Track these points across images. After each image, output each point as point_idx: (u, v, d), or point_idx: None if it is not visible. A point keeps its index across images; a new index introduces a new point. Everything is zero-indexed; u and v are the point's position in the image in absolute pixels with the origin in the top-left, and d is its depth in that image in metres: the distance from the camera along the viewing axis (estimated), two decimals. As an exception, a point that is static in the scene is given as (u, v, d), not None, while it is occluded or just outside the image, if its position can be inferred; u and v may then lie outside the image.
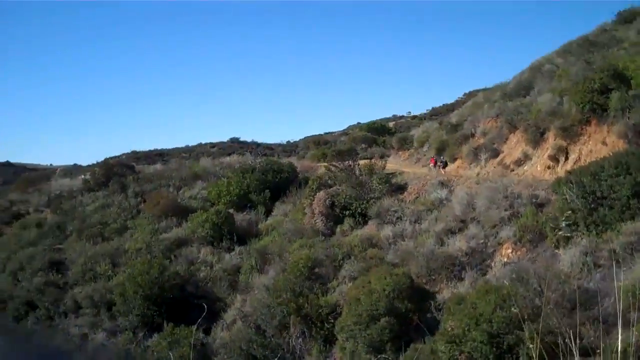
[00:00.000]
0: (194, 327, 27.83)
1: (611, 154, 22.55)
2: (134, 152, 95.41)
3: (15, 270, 38.15)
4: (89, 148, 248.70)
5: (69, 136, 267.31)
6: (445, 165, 35.90)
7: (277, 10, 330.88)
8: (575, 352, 5.37)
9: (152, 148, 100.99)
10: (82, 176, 56.23)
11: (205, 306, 25.67)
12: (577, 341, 5.40)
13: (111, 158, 76.51)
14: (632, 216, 19.27)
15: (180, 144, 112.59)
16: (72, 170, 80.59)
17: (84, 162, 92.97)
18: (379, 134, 66.07)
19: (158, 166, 58.10)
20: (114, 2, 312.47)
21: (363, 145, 56.37)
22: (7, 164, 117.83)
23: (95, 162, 72.27)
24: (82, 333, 31.01)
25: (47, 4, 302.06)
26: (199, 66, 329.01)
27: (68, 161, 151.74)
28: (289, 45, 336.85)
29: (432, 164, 37.48)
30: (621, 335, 5.60)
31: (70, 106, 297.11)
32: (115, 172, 51.05)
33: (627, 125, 24.64)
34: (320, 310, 24.52)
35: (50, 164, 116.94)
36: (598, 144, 26.31)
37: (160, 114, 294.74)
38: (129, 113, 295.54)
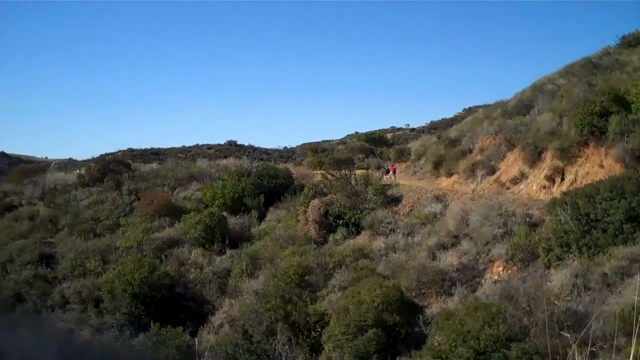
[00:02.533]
0: (181, 329, 27.84)
1: (607, 177, 22.55)
2: (130, 150, 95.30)
3: (5, 262, 37.82)
4: (85, 143, 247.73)
5: (65, 130, 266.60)
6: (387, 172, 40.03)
7: (281, 14, 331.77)
8: None
9: (148, 146, 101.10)
10: (77, 171, 56.02)
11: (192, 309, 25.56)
12: None
13: (107, 154, 76.29)
14: (625, 240, 19.25)
15: (177, 144, 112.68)
16: (68, 165, 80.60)
17: (80, 157, 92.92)
18: (377, 145, 66.02)
19: (154, 165, 57.91)
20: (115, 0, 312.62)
21: (360, 155, 56.27)
22: (2, 155, 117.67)
23: (90, 158, 72.10)
24: (68, 328, 30.75)
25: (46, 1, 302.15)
26: (200, 68, 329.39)
27: (63, 155, 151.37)
28: (291, 52, 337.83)
29: (392, 172, 40.39)
30: (608, 359, 5.55)
31: (68, 101, 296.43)
32: (111, 168, 50.80)
33: (624, 150, 24.64)
34: (308, 318, 24.44)
35: (46, 157, 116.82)
36: (595, 167, 26.30)
37: (158, 113, 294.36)
38: (126, 110, 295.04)
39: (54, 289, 34.44)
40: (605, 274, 18.35)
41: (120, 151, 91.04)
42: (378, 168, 43.62)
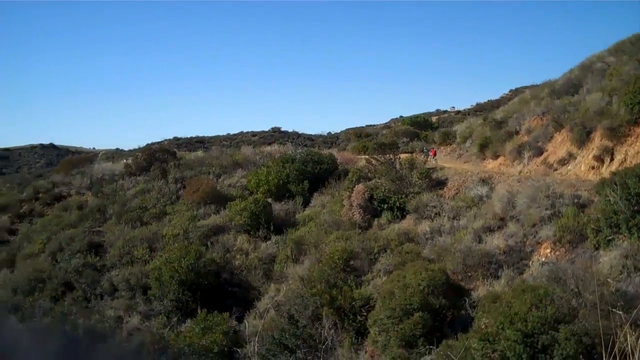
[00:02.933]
0: (227, 314, 28.02)
1: (658, 156, 21.97)
2: (176, 139, 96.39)
3: (55, 251, 38.51)
4: (131, 133, 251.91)
5: (112, 121, 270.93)
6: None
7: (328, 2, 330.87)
8: (609, 355, 5.18)
9: (194, 135, 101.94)
10: (124, 160, 56.79)
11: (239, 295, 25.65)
12: (613, 344, 5.22)
13: (153, 144, 77.11)
14: (676, 220, 18.73)
15: (221, 131, 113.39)
16: (115, 155, 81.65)
17: (126, 147, 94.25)
18: (422, 128, 65.52)
19: (199, 153, 58.28)
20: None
21: (405, 139, 55.93)
22: (51, 146, 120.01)
23: (137, 147, 72.97)
24: (117, 315, 31.21)
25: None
26: (244, 55, 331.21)
27: (111, 145, 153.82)
28: (335, 36, 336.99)
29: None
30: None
31: (114, 92, 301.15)
32: (157, 157, 51.31)
33: (676, 128, 23.99)
34: (353, 303, 24.33)
35: (93, 148, 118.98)
36: (645, 146, 25.67)
37: (203, 101, 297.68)
38: (172, 100, 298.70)
39: (102, 277, 35.01)
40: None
41: (165, 140, 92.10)
42: (420, 151, 43.40)
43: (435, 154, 41.22)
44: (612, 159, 27.23)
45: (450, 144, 47.00)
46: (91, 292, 33.93)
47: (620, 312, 7.81)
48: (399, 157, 36.57)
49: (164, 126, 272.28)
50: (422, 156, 38.93)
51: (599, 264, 19.44)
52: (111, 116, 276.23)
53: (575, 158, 29.91)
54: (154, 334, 28.41)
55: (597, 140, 28.46)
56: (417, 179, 33.11)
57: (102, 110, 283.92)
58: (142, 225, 40.30)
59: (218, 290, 31.57)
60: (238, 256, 34.20)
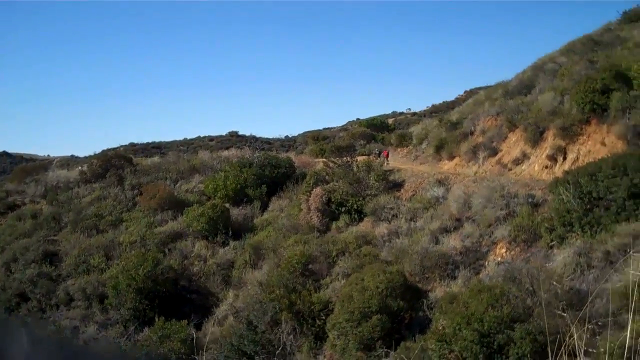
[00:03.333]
0: (186, 322, 27.77)
1: (609, 154, 22.28)
2: (132, 145, 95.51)
3: (9, 261, 37.87)
4: (86, 140, 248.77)
5: (67, 127, 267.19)
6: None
7: (279, 5, 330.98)
8: (565, 352, 5.23)
9: (150, 140, 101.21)
10: (80, 167, 55.98)
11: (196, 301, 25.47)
12: (567, 342, 5.26)
13: (109, 150, 76.21)
14: (627, 217, 18.98)
15: (178, 136, 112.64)
16: (70, 162, 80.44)
17: (82, 154, 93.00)
18: (379, 130, 65.89)
19: (156, 159, 57.76)
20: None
21: (362, 142, 56.10)
22: (4, 154, 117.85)
23: (93, 154, 72.03)
24: (73, 326, 30.79)
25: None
26: (199, 60, 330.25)
27: (65, 152, 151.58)
28: (290, 40, 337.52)
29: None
30: (611, 336, 5.40)
31: (68, 98, 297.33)
32: (113, 164, 50.69)
33: (626, 126, 24.38)
34: (312, 307, 24.29)
35: (48, 155, 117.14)
36: (597, 145, 26.02)
37: (159, 106, 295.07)
38: (127, 105, 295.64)
39: (58, 287, 34.55)
40: (608, 251, 18.12)
41: (122, 146, 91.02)
42: (372, 154, 43.47)
43: (388, 156, 41.34)
44: (564, 158, 27.60)
45: (407, 146, 47.17)
46: (46, 303, 33.46)
47: (566, 315, 7.87)
48: (356, 160, 36.66)
49: (120, 132, 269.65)
50: (377, 158, 39.05)
51: (553, 262, 19.69)
52: (66, 122, 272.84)
53: (529, 158, 30.26)
54: (110, 343, 28.03)
55: (550, 140, 28.83)
56: (374, 182, 33.20)
57: (57, 116, 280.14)
58: (98, 233, 39.78)
59: (176, 298, 31.32)
60: (196, 262, 33.99)
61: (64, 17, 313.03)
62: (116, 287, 30.87)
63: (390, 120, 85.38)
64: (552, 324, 13.50)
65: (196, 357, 24.70)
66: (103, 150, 74.61)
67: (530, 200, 24.38)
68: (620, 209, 19.30)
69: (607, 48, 35.66)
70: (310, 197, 33.79)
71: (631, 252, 14.89)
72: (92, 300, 32.40)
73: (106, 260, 35.38)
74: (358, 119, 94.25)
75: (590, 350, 5.76)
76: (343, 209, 32.66)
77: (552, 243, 20.94)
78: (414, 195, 31.56)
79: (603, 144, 25.63)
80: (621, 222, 18.96)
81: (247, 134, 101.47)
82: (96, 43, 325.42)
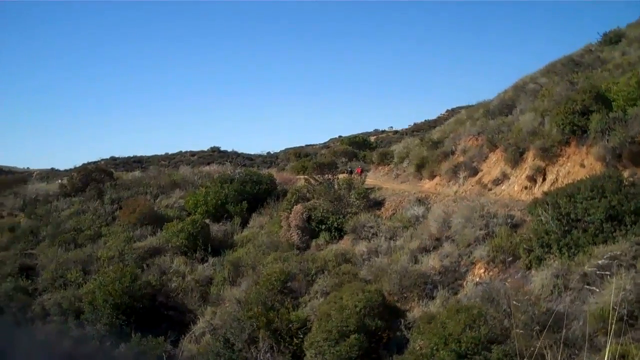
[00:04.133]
0: (162, 338, 27.51)
1: (588, 176, 22.37)
2: (113, 158, 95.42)
3: (-16, 274, 37.48)
4: (67, 153, 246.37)
5: (47, 140, 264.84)
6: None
7: (261, 17, 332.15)
8: None
9: (131, 155, 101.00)
10: (59, 181, 55.65)
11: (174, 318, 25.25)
12: None
13: (89, 163, 75.89)
14: (605, 239, 19.05)
15: (160, 151, 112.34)
16: (50, 175, 80.00)
17: (62, 167, 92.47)
18: (360, 148, 66.09)
19: (136, 173, 57.57)
20: (95, 6, 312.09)
21: (344, 159, 56.23)
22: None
23: (73, 167, 71.71)
24: (48, 340, 30.40)
25: (25, 4, 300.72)
26: (181, 75, 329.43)
27: (45, 165, 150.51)
28: (272, 56, 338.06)
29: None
30: (587, 359, 5.38)
31: (49, 110, 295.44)
32: (93, 177, 50.48)
33: (605, 148, 24.48)
34: (290, 325, 24.14)
35: (27, 168, 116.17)
36: (576, 166, 26.14)
37: (140, 120, 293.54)
38: (108, 119, 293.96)
39: (34, 301, 34.17)
40: (586, 273, 18.15)
41: (102, 160, 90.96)
42: (346, 171, 43.67)
43: (361, 172, 41.62)
44: (544, 179, 27.72)
45: (388, 164, 47.25)
46: (22, 317, 33.00)
47: (540, 339, 7.89)
48: (337, 177, 36.67)
49: (100, 145, 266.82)
50: (346, 175, 39.59)
51: (531, 283, 19.69)
52: (46, 135, 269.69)
53: (509, 178, 30.38)
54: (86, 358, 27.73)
55: (530, 160, 28.96)
56: (354, 199, 33.20)
57: (37, 128, 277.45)
58: (76, 248, 39.47)
59: (153, 314, 31.01)
60: (174, 278, 33.64)
61: (42, 29, 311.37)
62: (93, 302, 30.55)
63: (372, 138, 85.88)
64: (529, 345, 13.47)
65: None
66: (84, 164, 74.33)
67: (509, 220, 24.41)
68: (598, 230, 19.36)
69: (588, 69, 35.96)
70: (290, 214, 33.71)
71: (609, 275, 14.96)
72: (69, 315, 31.99)
73: (84, 275, 35.04)
74: (340, 137, 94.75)
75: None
76: (323, 226, 32.60)
77: (530, 264, 20.98)
78: (394, 213, 31.56)
79: (582, 165, 25.75)
80: (599, 244, 19.02)
81: (229, 149, 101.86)
82: (77, 56, 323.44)
